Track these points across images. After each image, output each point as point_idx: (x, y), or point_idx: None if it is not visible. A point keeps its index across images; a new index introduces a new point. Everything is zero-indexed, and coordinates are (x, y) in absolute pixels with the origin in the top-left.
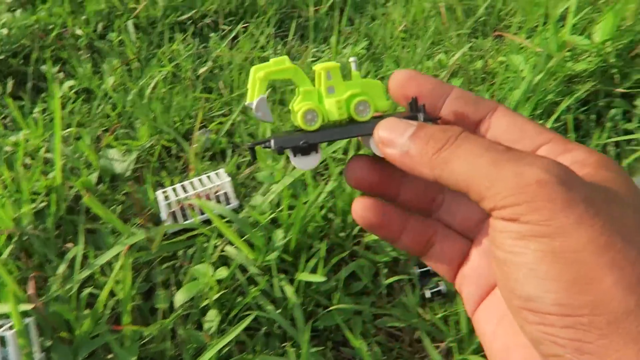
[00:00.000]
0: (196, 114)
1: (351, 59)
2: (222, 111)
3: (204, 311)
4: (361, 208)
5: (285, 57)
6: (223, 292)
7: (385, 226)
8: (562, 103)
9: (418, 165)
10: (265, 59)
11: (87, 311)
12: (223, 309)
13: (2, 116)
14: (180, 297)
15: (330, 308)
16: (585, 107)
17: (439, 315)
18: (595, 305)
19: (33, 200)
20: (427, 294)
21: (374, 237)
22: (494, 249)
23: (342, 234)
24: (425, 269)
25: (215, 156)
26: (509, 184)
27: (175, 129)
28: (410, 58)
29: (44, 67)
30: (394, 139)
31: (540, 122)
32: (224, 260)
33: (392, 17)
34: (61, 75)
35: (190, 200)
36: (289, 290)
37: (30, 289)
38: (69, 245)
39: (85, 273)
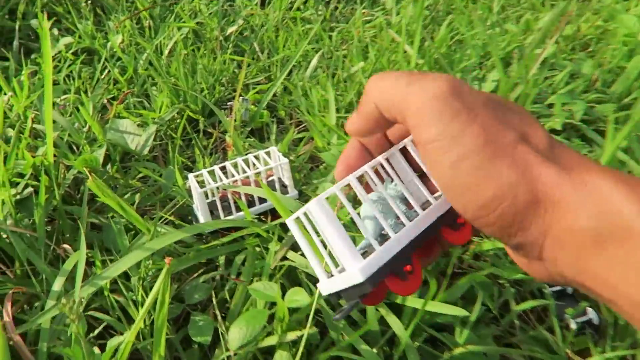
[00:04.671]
0: (227, 81)
1: None
2: (259, 78)
3: (268, 351)
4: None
5: None
6: (299, 330)
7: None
8: None
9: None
10: (307, 20)
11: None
12: (294, 349)
13: None
14: (237, 336)
15: (457, 350)
16: None
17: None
18: (498, 197)
19: (15, 185)
20: (572, 324)
21: (486, 245)
22: (426, 167)
23: None
24: (558, 287)
25: (253, 133)
26: (416, 100)
27: (204, 98)
28: (484, 18)
29: (34, 22)
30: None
31: None
32: (289, 276)
33: None
34: (56, 32)
35: (238, 188)
36: (396, 324)
37: (6, 314)
38: (66, 246)
39: (88, 291)
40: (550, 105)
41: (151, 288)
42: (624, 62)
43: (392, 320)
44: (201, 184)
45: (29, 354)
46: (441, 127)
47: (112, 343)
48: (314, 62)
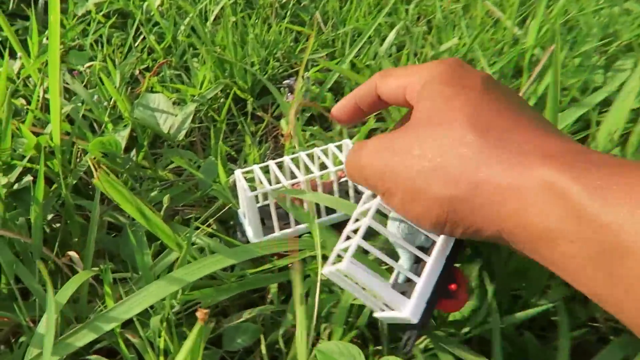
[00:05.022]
0: (283, 56)
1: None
2: (320, 54)
3: None
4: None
5: None
6: None
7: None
8: None
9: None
10: None
11: None
12: None
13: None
14: None
15: None
16: None
17: None
18: (442, 216)
19: (8, 169)
20: None
21: None
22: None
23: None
24: None
25: (314, 119)
26: (364, 169)
27: (255, 73)
28: None
29: None
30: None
31: None
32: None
33: None
34: None
35: (301, 194)
36: None
37: None
38: (72, 254)
39: (87, 338)
40: None
41: (177, 326)
42: None
43: None
44: (250, 182)
45: None
46: (380, 184)
47: None
48: (391, 37)
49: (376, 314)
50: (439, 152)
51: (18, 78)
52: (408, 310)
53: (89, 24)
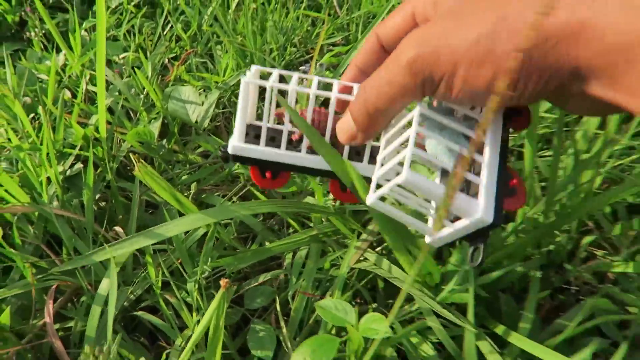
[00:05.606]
0: (300, 41)
1: None
2: (336, 38)
3: None
4: None
5: None
6: None
7: None
8: None
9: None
10: None
11: None
12: None
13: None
14: None
15: None
16: None
17: None
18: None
19: (63, 158)
20: None
21: (619, 267)
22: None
23: (559, 239)
24: None
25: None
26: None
27: (273, 60)
28: None
29: None
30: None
31: None
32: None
33: None
34: None
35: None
36: None
37: (47, 315)
38: (117, 229)
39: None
40: None
41: (207, 288)
42: None
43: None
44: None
45: None
46: (436, 70)
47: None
48: None
49: (429, 239)
50: (494, 11)
51: (63, 72)
52: (480, 210)
53: (121, 14)
